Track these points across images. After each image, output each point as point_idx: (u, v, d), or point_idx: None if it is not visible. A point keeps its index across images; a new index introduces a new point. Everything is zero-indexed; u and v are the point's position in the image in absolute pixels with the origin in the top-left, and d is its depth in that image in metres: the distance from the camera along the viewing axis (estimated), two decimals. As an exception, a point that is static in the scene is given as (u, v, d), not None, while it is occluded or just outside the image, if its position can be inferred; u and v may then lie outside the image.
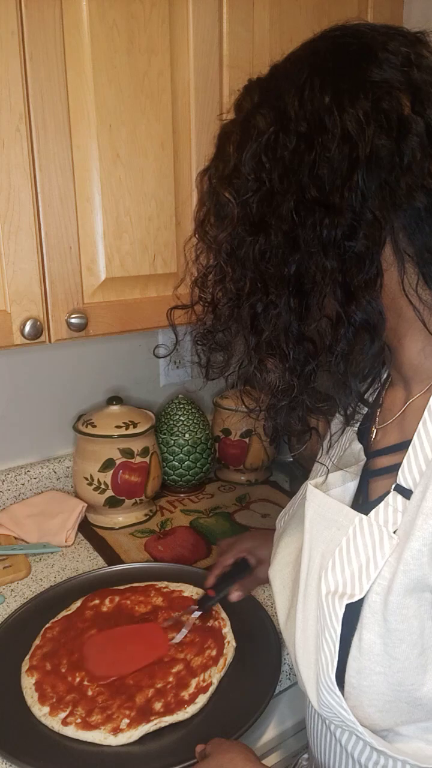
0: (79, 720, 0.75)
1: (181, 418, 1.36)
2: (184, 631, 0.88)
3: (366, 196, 0.50)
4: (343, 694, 0.58)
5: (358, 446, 0.68)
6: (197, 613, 0.91)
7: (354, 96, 0.50)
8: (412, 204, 0.51)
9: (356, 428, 0.70)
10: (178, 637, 0.87)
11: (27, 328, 0.86)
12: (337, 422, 0.76)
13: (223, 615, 0.93)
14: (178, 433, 1.35)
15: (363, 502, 0.64)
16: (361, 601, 0.56)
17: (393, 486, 0.58)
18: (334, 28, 0.56)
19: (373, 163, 0.50)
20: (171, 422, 1.36)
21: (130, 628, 0.91)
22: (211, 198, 0.59)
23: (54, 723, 0.75)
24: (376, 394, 0.70)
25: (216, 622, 0.91)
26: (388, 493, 0.58)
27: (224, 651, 0.86)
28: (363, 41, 0.53)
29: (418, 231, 0.52)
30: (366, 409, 0.68)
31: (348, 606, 0.57)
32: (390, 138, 0.50)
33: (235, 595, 0.94)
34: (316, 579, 0.61)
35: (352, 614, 0.57)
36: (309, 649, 0.61)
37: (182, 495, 1.38)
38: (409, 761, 0.57)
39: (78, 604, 0.96)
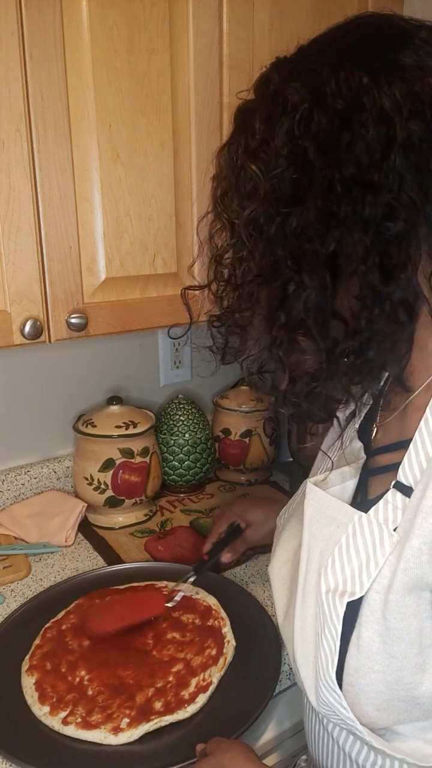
0: (79, 719, 0.75)
1: (181, 418, 1.36)
2: (181, 593, 0.92)
3: (403, 177, 0.49)
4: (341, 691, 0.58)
5: (358, 444, 0.68)
6: (192, 577, 0.94)
7: (390, 77, 0.50)
8: None
9: (357, 426, 0.70)
10: (176, 598, 0.91)
11: (27, 328, 0.86)
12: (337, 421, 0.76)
13: (223, 614, 0.93)
14: (178, 433, 1.35)
15: (362, 500, 0.64)
16: (360, 599, 0.56)
17: (393, 483, 0.58)
18: (363, 14, 0.55)
19: (410, 144, 0.49)
20: (171, 422, 1.36)
21: (130, 594, 0.95)
22: (233, 173, 0.56)
23: (54, 722, 0.75)
24: (378, 391, 0.70)
25: (216, 622, 0.91)
26: (387, 490, 0.58)
27: (224, 650, 0.86)
28: (395, 27, 0.53)
29: None
30: (371, 401, 0.68)
31: (348, 605, 0.57)
32: (423, 122, 0.49)
33: (225, 557, 0.99)
34: (316, 577, 0.61)
35: (351, 612, 0.57)
36: (308, 647, 0.61)
37: (182, 495, 1.39)
38: (408, 760, 0.57)
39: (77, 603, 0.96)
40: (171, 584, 1.00)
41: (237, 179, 0.56)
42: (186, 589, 0.92)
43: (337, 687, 0.57)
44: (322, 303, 0.53)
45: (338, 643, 0.57)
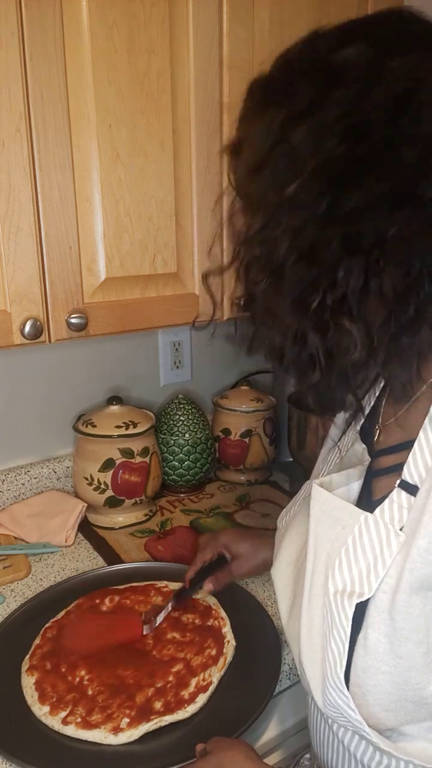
0: (79, 719, 0.75)
1: (181, 418, 1.36)
2: (158, 620, 0.90)
3: None
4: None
5: (361, 446, 0.68)
6: (171, 605, 0.92)
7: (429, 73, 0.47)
8: None
9: (358, 428, 0.70)
10: (148, 629, 0.89)
11: (27, 328, 0.86)
12: (340, 420, 0.76)
13: (223, 614, 0.93)
14: (178, 433, 1.35)
15: (366, 501, 0.64)
16: (366, 600, 0.56)
17: (397, 482, 0.58)
18: (394, 8, 0.53)
19: None
20: (171, 422, 1.36)
21: (108, 615, 0.94)
22: (268, 147, 0.51)
23: (54, 722, 0.75)
24: (379, 392, 0.70)
25: (216, 622, 0.91)
26: (392, 490, 0.58)
27: (224, 650, 0.86)
28: (425, 23, 0.51)
29: None
30: (372, 402, 0.68)
31: (355, 606, 0.56)
32: None
33: (207, 587, 0.95)
34: (323, 578, 0.60)
35: (358, 613, 0.57)
36: (314, 648, 0.61)
37: (182, 495, 1.39)
38: (414, 761, 0.57)
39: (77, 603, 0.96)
40: (171, 585, 1.00)
41: (271, 153, 0.51)
42: (161, 616, 0.90)
43: (346, 689, 0.57)
44: (371, 286, 0.49)
45: (347, 645, 0.56)
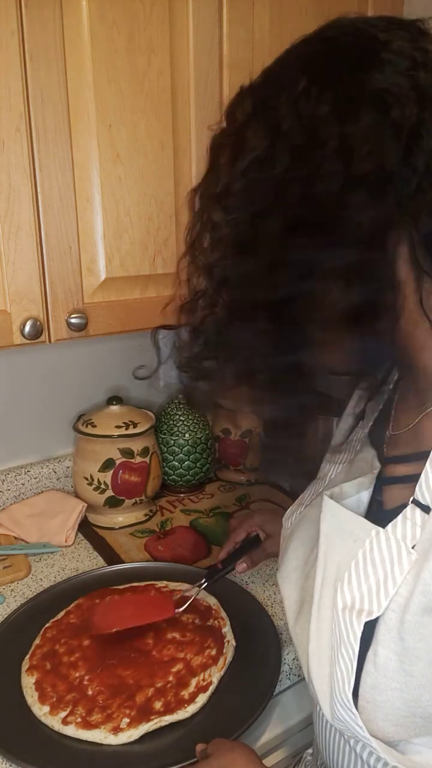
0: (79, 719, 0.75)
1: (181, 418, 1.36)
2: (190, 598, 0.91)
3: (365, 214, 0.47)
4: (357, 708, 0.56)
5: (371, 452, 0.66)
6: (204, 585, 0.93)
7: (355, 105, 0.46)
8: (419, 221, 0.48)
9: (366, 430, 0.69)
10: (179, 609, 0.90)
11: (27, 328, 0.86)
12: (344, 421, 0.75)
13: (223, 614, 0.93)
14: (178, 433, 1.35)
15: (377, 509, 0.63)
16: (376, 618, 0.55)
17: (411, 500, 0.56)
18: (329, 26, 0.51)
19: (374, 179, 0.46)
20: (171, 422, 1.36)
21: (139, 595, 0.96)
22: (202, 218, 0.55)
23: (54, 722, 0.75)
24: (386, 397, 0.69)
25: (216, 622, 0.91)
26: (405, 505, 0.56)
27: (224, 650, 0.86)
28: (362, 41, 0.48)
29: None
30: (378, 410, 0.68)
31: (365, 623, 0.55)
32: (397, 149, 0.46)
33: (241, 567, 0.97)
34: (332, 591, 0.59)
35: (368, 629, 0.55)
36: (323, 662, 0.60)
37: (182, 495, 1.38)
38: None
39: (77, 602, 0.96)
40: (171, 584, 1.00)
41: (205, 225, 0.54)
42: (193, 594, 0.92)
43: (354, 707, 0.56)
44: (279, 354, 0.52)
45: (355, 663, 0.55)
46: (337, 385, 0.59)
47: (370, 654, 0.55)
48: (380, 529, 0.57)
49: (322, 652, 0.60)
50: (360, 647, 0.55)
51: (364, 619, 0.54)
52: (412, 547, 0.54)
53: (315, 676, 0.61)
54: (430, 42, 0.49)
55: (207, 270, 0.55)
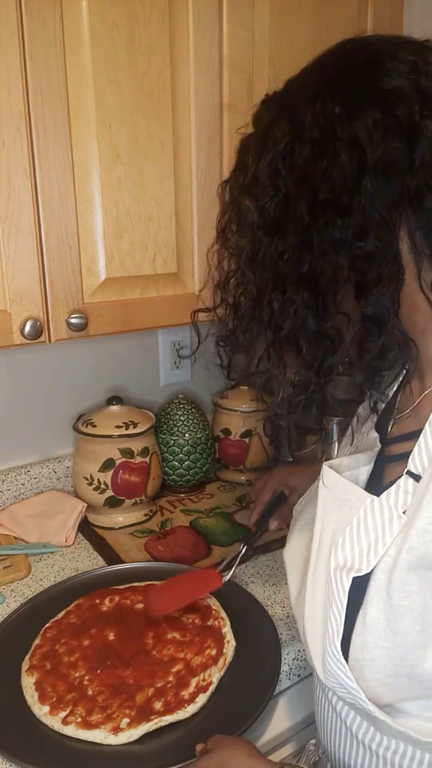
0: (79, 719, 0.75)
1: (181, 418, 1.36)
2: (234, 565, 0.95)
3: (374, 198, 0.53)
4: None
5: (374, 435, 0.70)
6: (244, 549, 0.97)
7: (363, 105, 0.54)
8: (423, 205, 0.54)
9: (375, 420, 0.72)
10: (230, 573, 0.93)
11: (27, 328, 0.86)
12: (362, 412, 0.77)
13: (223, 614, 0.93)
14: (178, 433, 1.35)
15: (377, 485, 0.66)
16: (367, 579, 0.59)
17: (405, 471, 0.60)
18: (344, 41, 0.60)
19: (383, 167, 0.53)
20: (171, 422, 1.36)
21: (186, 574, 0.99)
22: (233, 207, 0.64)
23: (54, 722, 0.75)
24: (397, 385, 0.71)
25: (216, 622, 0.91)
26: (400, 476, 0.60)
27: (224, 650, 0.86)
28: (371, 52, 0.56)
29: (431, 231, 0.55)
30: (387, 399, 0.70)
31: (357, 584, 0.59)
32: (401, 143, 0.53)
33: (273, 525, 1.02)
34: (327, 555, 0.63)
35: (359, 591, 0.59)
36: (317, 622, 0.64)
37: (182, 495, 1.39)
38: (410, 733, 0.59)
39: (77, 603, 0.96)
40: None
41: (235, 213, 0.63)
42: (237, 560, 0.96)
43: (342, 658, 0.59)
44: (305, 320, 0.58)
45: (344, 616, 0.59)
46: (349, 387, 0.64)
47: (360, 615, 0.59)
48: (374, 497, 0.61)
49: (316, 613, 0.64)
50: (352, 609, 0.60)
51: (353, 574, 0.59)
52: (403, 512, 0.58)
53: (309, 637, 0.65)
54: None
55: (238, 252, 0.63)
